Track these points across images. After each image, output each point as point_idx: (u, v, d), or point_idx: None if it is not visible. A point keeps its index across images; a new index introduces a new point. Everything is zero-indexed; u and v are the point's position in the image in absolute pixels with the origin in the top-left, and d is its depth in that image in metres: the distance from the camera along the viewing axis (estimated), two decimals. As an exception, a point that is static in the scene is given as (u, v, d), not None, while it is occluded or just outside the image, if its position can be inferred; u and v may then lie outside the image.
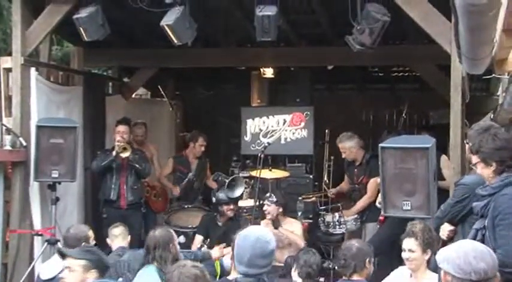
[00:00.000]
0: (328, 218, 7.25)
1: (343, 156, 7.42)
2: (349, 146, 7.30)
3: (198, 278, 3.04)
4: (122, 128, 7.32)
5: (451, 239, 4.34)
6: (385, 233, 6.45)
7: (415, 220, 4.78)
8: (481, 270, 2.52)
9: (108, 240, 5.80)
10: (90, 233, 5.26)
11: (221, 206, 6.77)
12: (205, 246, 6.42)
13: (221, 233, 6.62)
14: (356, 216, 7.23)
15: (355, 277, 4.30)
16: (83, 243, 5.07)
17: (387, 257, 5.80)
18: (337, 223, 7.19)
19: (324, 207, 7.66)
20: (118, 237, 5.70)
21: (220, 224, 6.71)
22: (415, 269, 4.31)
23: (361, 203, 7.24)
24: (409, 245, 4.29)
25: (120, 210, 7.29)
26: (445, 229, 4.36)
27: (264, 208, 6.53)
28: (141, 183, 7.60)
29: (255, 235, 3.54)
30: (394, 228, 6.02)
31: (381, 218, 6.56)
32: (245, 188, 8.44)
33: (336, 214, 7.22)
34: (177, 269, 3.11)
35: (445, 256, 2.62)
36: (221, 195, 6.85)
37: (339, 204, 7.40)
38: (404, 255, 4.33)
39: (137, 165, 7.29)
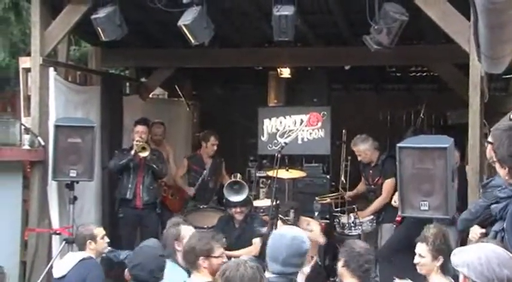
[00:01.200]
0: (344, 219, 7.24)
1: (359, 158, 7.44)
2: (363, 149, 7.31)
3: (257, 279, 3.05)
4: (140, 128, 7.36)
5: None
6: (403, 234, 6.43)
7: (433, 224, 4.74)
8: (504, 277, 2.51)
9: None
10: (97, 232, 5.28)
11: (230, 209, 6.81)
12: None
13: (237, 234, 6.63)
14: (372, 217, 7.22)
15: None
16: (88, 241, 5.17)
17: (405, 257, 5.76)
18: (352, 224, 7.19)
19: (339, 209, 7.66)
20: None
21: (236, 225, 6.71)
22: (426, 274, 4.26)
23: (376, 204, 7.24)
24: (420, 250, 4.24)
25: (135, 210, 7.36)
26: (476, 231, 4.28)
27: None
28: (157, 184, 7.63)
29: (291, 234, 3.62)
30: (411, 228, 6.00)
31: (397, 218, 6.54)
32: (261, 187, 8.45)
33: (351, 215, 7.22)
34: (238, 269, 3.05)
35: (466, 261, 2.60)
36: (229, 198, 6.90)
37: (354, 206, 7.40)
38: (415, 260, 4.29)
39: (154, 166, 7.34)
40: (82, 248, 5.15)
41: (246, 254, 6.34)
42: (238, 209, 6.75)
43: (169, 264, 4.57)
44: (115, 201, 7.56)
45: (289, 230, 3.82)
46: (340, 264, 4.09)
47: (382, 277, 6.34)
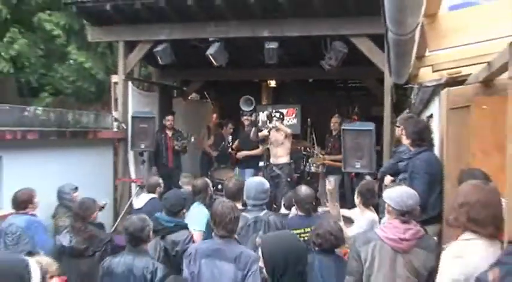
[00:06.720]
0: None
1: (331, 125, 7.40)
2: (336, 120, 7.38)
3: (233, 208, 2.89)
4: (170, 117, 7.33)
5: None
6: None
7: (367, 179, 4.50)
8: (409, 204, 2.57)
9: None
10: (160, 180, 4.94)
11: (242, 117, 7.19)
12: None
13: (243, 137, 7.13)
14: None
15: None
16: (159, 187, 4.82)
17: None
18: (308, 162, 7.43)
19: (304, 153, 7.68)
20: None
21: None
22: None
23: (332, 158, 7.16)
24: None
25: (167, 168, 7.13)
26: (388, 179, 4.15)
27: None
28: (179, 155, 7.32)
29: (257, 179, 3.61)
30: None
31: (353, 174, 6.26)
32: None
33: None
34: (220, 203, 2.89)
35: (389, 195, 2.65)
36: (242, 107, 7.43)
37: (316, 152, 7.43)
38: None
39: (179, 148, 7.16)
40: (153, 190, 4.84)
41: (254, 154, 6.86)
42: (247, 117, 7.05)
43: (197, 204, 4.17)
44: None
45: (255, 178, 3.70)
46: None
47: None
